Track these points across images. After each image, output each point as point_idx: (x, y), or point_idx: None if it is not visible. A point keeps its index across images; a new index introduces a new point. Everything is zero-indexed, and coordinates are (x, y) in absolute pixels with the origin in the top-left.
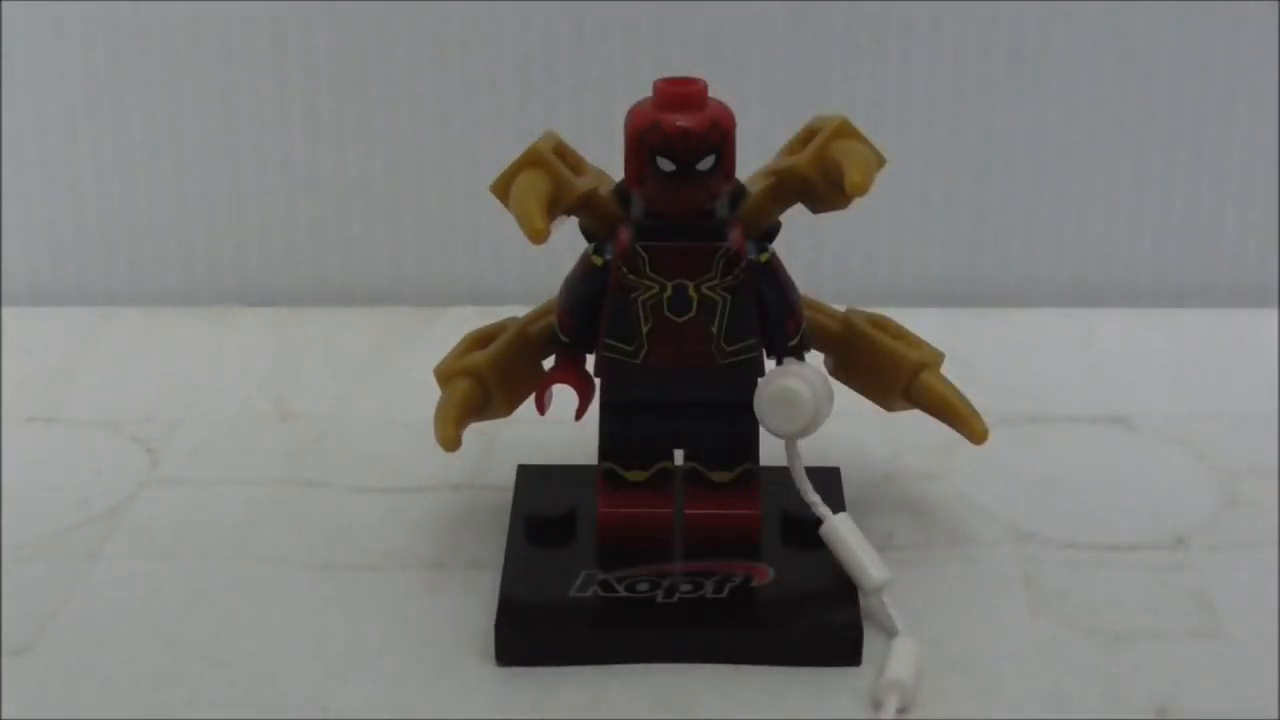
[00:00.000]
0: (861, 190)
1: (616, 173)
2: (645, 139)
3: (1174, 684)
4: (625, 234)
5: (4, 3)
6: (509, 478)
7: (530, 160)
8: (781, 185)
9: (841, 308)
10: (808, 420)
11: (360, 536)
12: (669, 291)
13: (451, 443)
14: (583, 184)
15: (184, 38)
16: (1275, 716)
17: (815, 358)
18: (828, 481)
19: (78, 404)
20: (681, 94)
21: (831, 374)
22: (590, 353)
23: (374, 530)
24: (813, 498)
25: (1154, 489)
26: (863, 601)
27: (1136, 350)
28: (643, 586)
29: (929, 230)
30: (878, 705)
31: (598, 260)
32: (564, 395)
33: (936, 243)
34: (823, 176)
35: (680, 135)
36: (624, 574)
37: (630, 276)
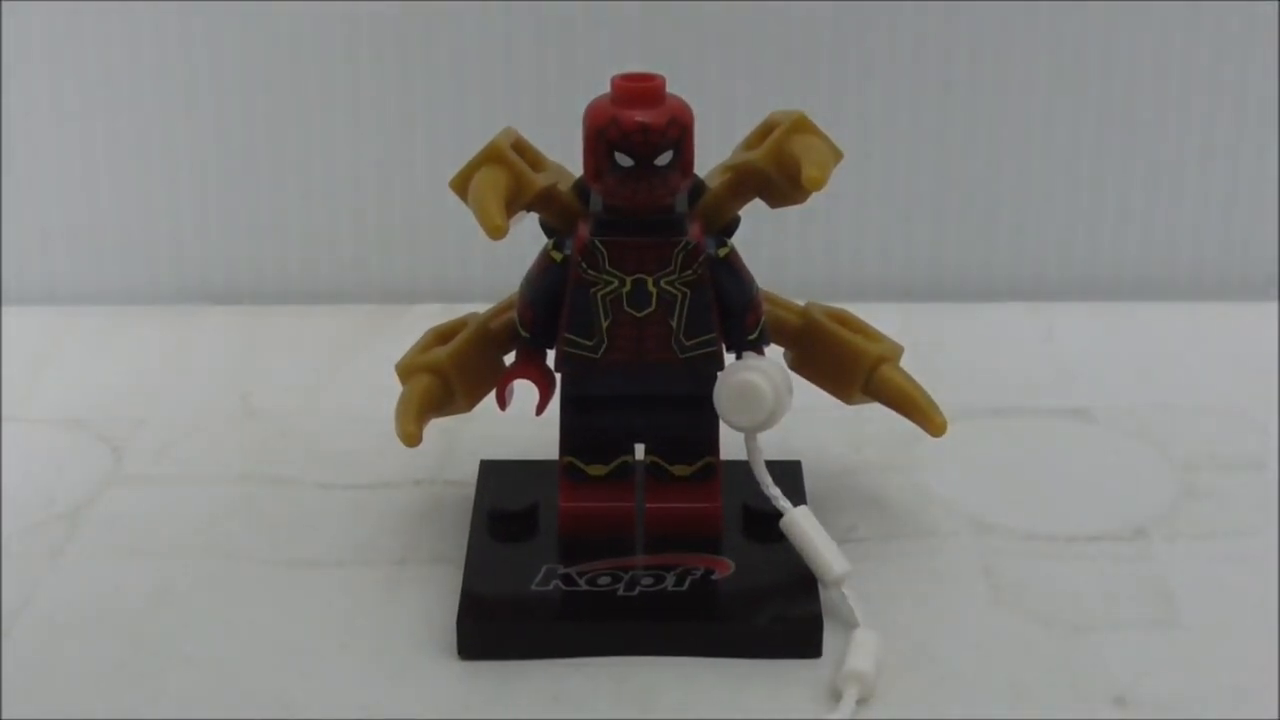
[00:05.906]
0: (818, 185)
1: (576, 168)
2: (603, 134)
3: (1132, 673)
4: (584, 229)
5: None
6: (471, 473)
7: (489, 156)
8: (739, 180)
9: (801, 302)
10: (767, 414)
11: (324, 533)
12: (628, 286)
13: (412, 438)
14: (542, 179)
15: (147, 40)
16: (1232, 705)
17: (775, 352)
18: (789, 474)
19: (42, 403)
20: (639, 89)
21: (791, 368)
22: (551, 348)
23: (338, 526)
24: (772, 491)
25: (1113, 480)
26: (823, 594)
27: (1096, 344)
28: (604, 580)
29: (890, 225)
30: (838, 697)
31: (557, 255)
32: (525, 390)
33: (897, 238)
34: (780, 171)
35: (638, 130)
36: (585, 568)
37: (589, 272)
